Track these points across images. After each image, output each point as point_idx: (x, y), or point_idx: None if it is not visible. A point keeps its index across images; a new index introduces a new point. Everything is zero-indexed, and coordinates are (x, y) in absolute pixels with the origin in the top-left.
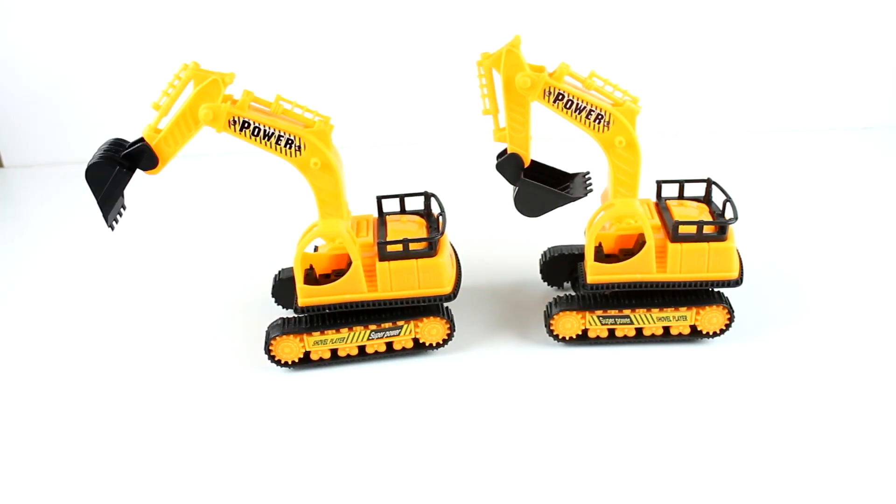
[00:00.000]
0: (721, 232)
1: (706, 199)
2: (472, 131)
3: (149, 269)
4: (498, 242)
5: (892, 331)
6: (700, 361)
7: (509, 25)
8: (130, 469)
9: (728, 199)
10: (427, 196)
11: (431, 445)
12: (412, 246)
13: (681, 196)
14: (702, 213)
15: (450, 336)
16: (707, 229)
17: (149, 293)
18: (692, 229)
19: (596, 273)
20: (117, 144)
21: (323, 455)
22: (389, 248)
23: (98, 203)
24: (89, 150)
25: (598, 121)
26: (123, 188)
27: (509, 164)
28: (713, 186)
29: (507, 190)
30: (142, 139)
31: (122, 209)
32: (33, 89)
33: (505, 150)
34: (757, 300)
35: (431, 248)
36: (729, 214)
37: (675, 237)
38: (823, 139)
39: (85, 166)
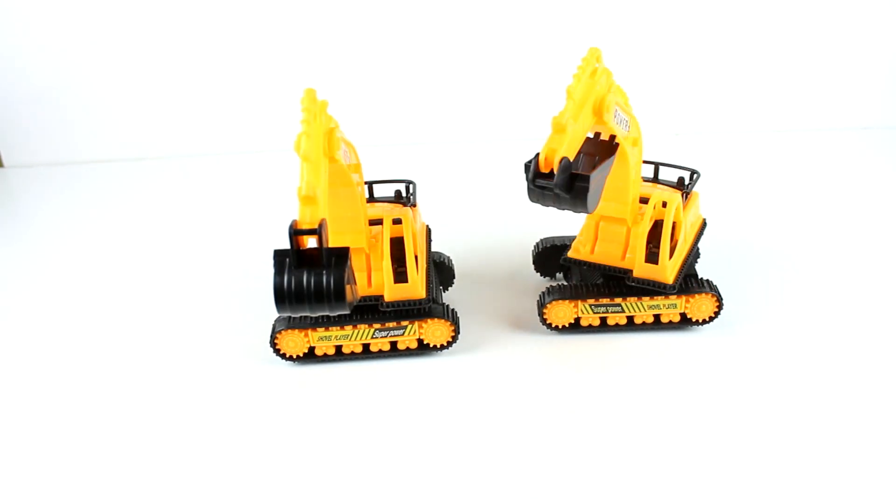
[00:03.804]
0: None
1: (679, 185)
2: (465, 130)
3: (153, 267)
4: (491, 234)
5: (885, 326)
6: (690, 348)
7: (509, 23)
8: (135, 460)
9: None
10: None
11: (428, 435)
12: None
13: (655, 179)
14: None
15: (454, 338)
16: None
17: (153, 290)
18: None
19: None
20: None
21: (319, 448)
22: None
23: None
24: (90, 150)
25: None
26: None
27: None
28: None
29: (500, 186)
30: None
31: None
32: (34, 89)
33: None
34: (750, 292)
35: None
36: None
37: None
38: (823, 139)
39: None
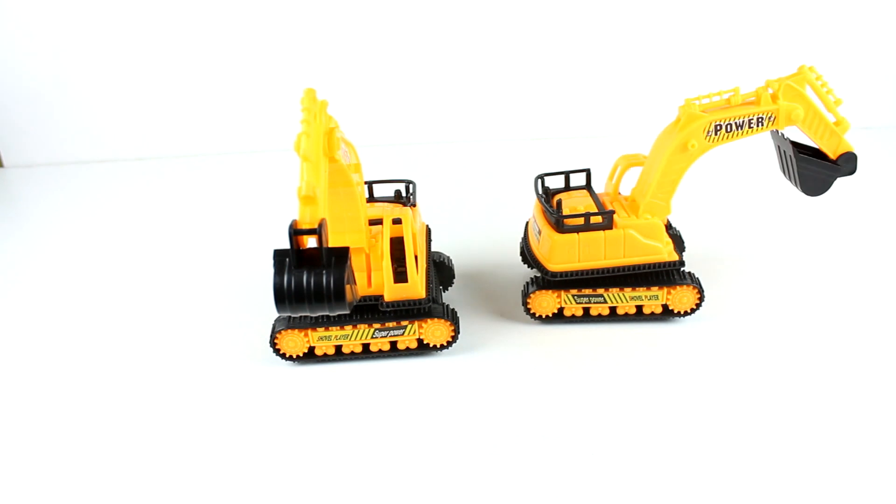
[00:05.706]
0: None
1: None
2: (465, 130)
3: (153, 267)
4: (491, 234)
5: (879, 324)
6: (672, 339)
7: (508, 24)
8: (134, 460)
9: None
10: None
11: (427, 434)
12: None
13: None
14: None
15: (454, 338)
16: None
17: (153, 290)
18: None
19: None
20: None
21: (319, 448)
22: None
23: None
24: (90, 150)
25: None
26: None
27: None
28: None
29: (500, 186)
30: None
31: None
32: (33, 89)
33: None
34: (740, 287)
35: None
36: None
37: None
38: None
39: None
